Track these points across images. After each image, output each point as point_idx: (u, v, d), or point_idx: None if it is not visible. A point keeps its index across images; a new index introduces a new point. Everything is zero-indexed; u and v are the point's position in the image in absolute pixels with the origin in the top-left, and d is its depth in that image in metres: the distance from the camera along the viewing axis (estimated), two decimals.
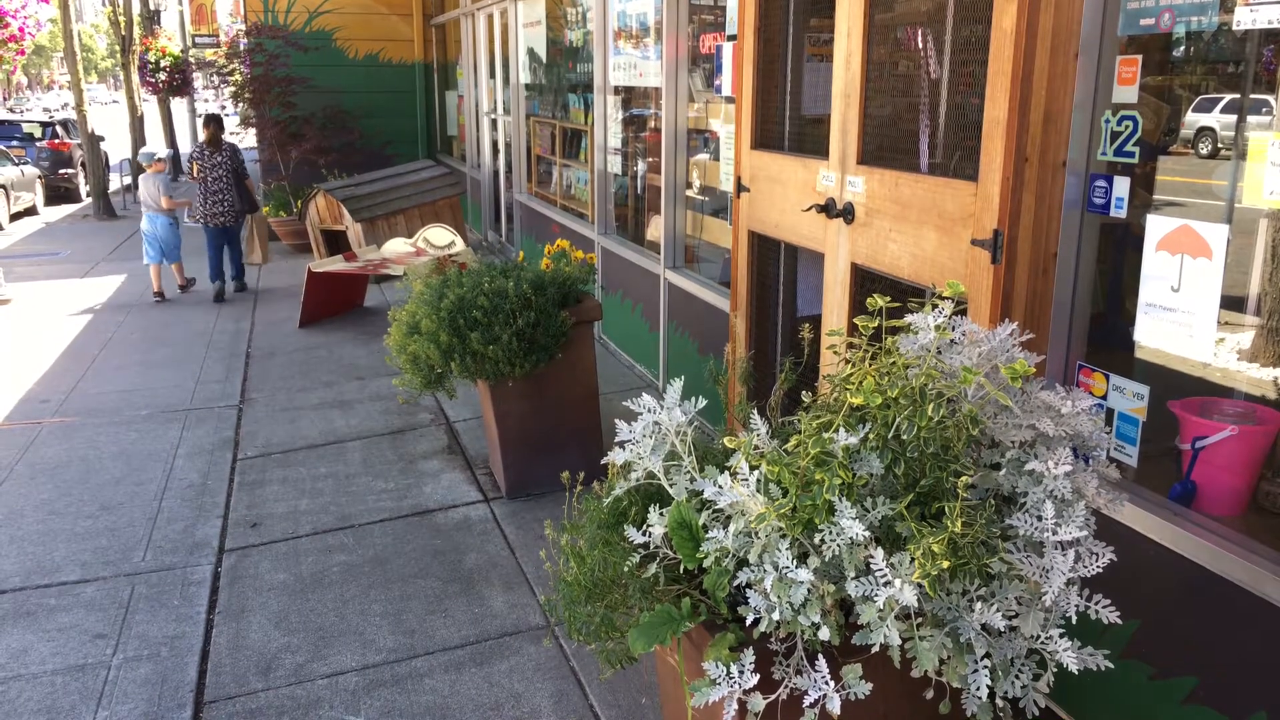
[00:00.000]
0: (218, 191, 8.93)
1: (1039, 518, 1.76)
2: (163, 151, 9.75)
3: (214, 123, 9.09)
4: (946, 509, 1.74)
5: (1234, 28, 2.25)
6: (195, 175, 9.00)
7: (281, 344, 7.50)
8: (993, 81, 2.62)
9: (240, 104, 13.36)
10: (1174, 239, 2.33)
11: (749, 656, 1.78)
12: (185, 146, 20.26)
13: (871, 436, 1.90)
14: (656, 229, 5.89)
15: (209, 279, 9.10)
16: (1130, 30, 2.45)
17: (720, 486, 1.91)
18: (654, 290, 5.85)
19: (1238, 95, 2.44)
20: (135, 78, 19.24)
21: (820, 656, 1.78)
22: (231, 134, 12.96)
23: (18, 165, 16.13)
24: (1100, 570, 1.76)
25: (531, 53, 8.87)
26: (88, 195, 16.93)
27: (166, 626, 3.53)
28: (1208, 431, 2.48)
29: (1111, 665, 1.77)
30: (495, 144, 10.72)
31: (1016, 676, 1.76)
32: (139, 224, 9.40)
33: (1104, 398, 2.59)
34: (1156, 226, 2.37)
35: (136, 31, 19.69)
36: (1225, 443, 2.46)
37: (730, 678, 1.77)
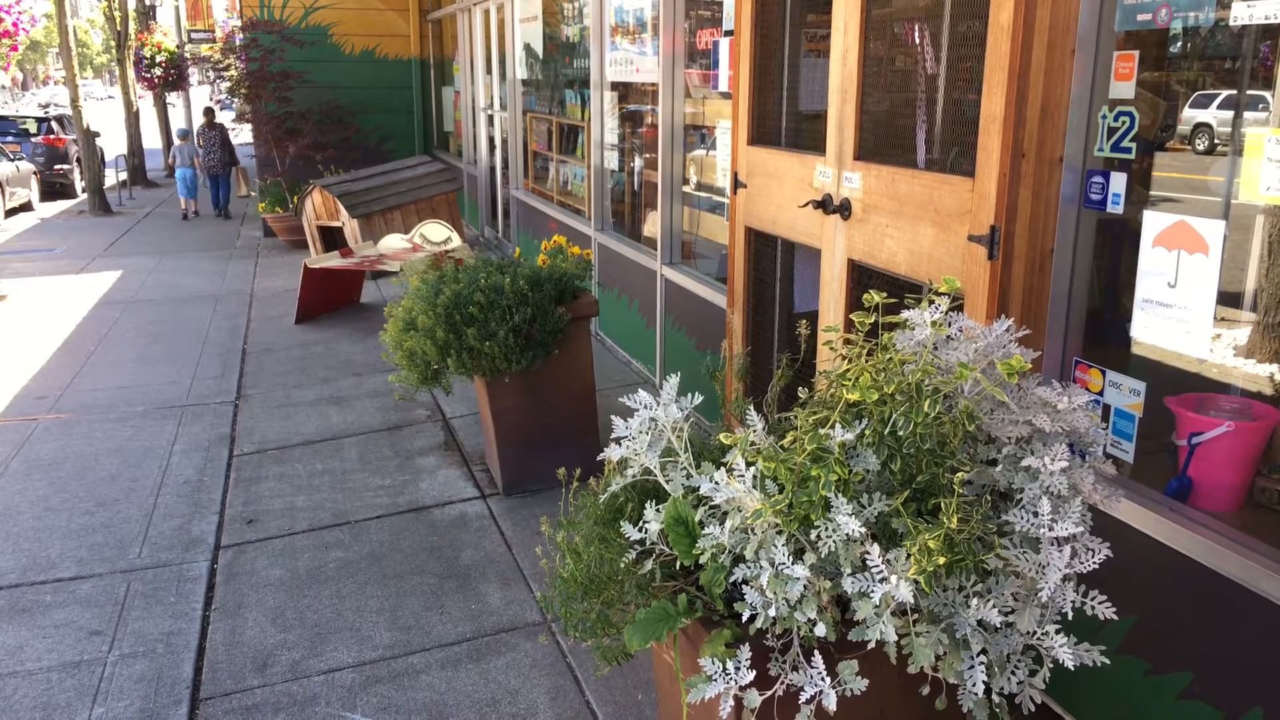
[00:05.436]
0: (212, 153, 14.84)
1: (1035, 514, 1.76)
2: (194, 130, 15.77)
3: (209, 112, 15.31)
4: (943, 505, 1.74)
5: (1231, 23, 2.25)
6: (200, 144, 14.98)
7: (278, 340, 7.49)
8: (989, 77, 2.61)
9: (236, 99, 13.46)
10: (1171, 235, 2.33)
11: (745, 653, 1.78)
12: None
13: (868, 433, 1.90)
14: (653, 225, 5.89)
15: (212, 206, 15.19)
16: (1127, 25, 2.44)
17: (716, 483, 1.91)
18: (651, 286, 5.84)
19: (1234, 91, 2.44)
20: (131, 73, 19.19)
21: (816, 653, 1.78)
22: (229, 128, 15.53)
23: (13, 161, 16.09)
24: (1096, 566, 1.76)
25: (528, 48, 8.85)
26: (83, 191, 16.90)
27: (162, 623, 3.52)
28: (1204, 427, 2.48)
29: (1107, 661, 1.77)
30: (492, 140, 10.71)
31: (1012, 672, 1.76)
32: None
33: (1100, 394, 2.59)
34: (1153, 222, 2.37)
35: (132, 27, 19.63)
36: (1221, 438, 2.46)
37: (726, 674, 1.77)
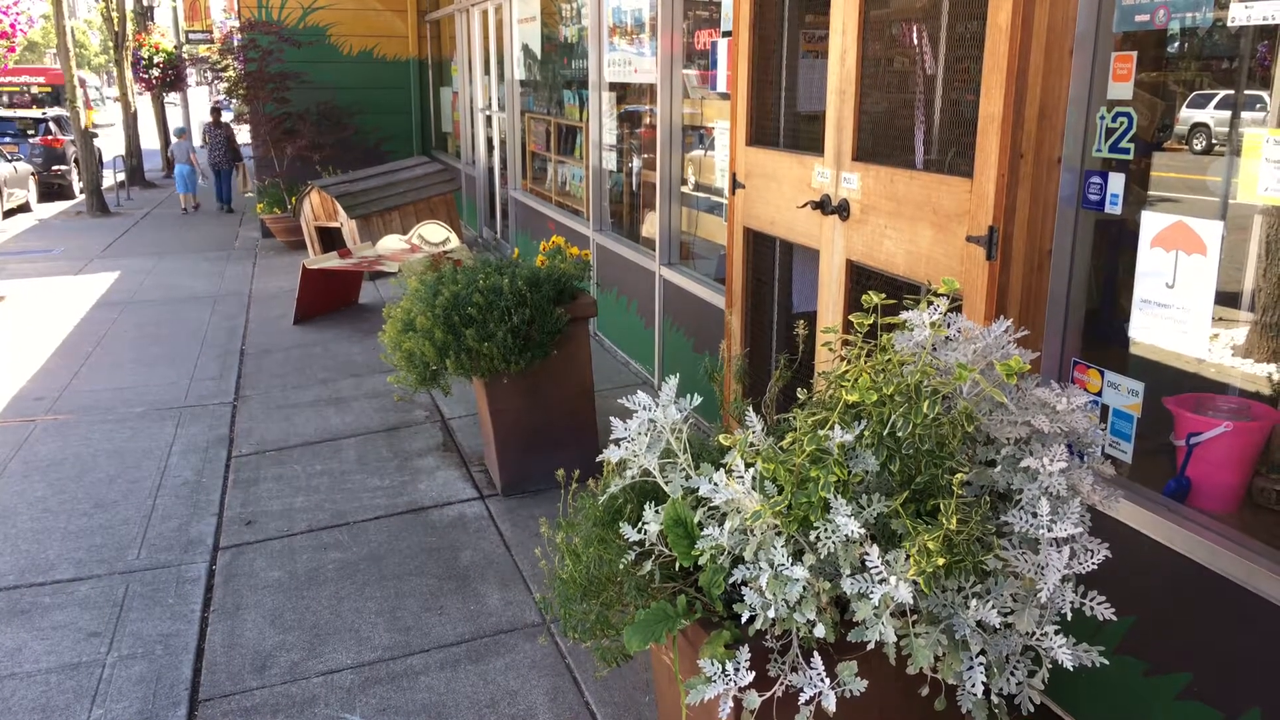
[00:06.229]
0: (217, 149, 15.87)
1: (1034, 514, 1.76)
2: (193, 128, 18.56)
3: (215, 111, 16.04)
4: (942, 506, 1.74)
5: (1229, 24, 2.25)
6: (205, 141, 16.45)
7: (276, 341, 7.49)
8: (988, 78, 2.62)
9: (234, 99, 13.53)
10: (1168, 235, 2.33)
11: (744, 654, 1.78)
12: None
13: (867, 434, 1.90)
14: (652, 225, 5.89)
15: (216, 200, 16.10)
16: (1125, 26, 2.44)
17: (715, 484, 1.91)
18: (649, 287, 5.84)
19: (1232, 91, 2.44)
20: (129, 74, 19.18)
21: (816, 654, 1.78)
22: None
23: (10, 161, 16.08)
24: (1095, 567, 1.76)
25: (526, 49, 8.85)
26: (81, 192, 16.92)
27: (161, 624, 3.52)
28: (1202, 428, 2.48)
29: (1106, 661, 1.77)
30: (490, 140, 10.71)
31: (1011, 673, 1.76)
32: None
33: (1099, 394, 2.60)
34: (1151, 223, 2.37)
35: (130, 27, 19.62)
36: (1220, 439, 2.46)
37: (725, 675, 1.77)
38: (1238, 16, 2.19)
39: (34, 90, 27.62)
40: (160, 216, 15.53)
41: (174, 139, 17.16)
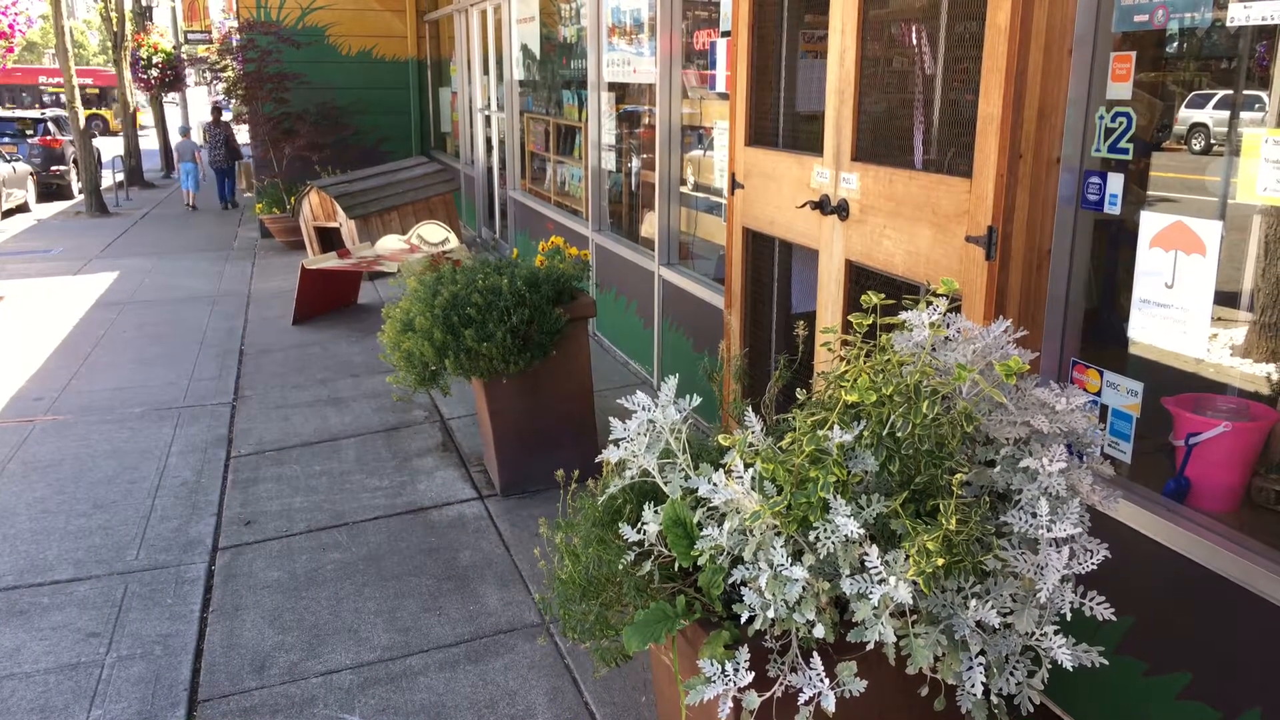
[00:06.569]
0: (217, 148, 16.21)
1: (1034, 515, 1.76)
2: (195, 127, 19.66)
3: (215, 110, 16.45)
4: (941, 506, 1.74)
5: (1228, 24, 2.26)
6: (205, 139, 16.93)
7: (275, 341, 7.49)
8: (987, 78, 2.62)
9: (233, 99, 13.57)
10: (1167, 235, 2.33)
11: (744, 654, 1.78)
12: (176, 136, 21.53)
13: (866, 434, 1.90)
14: (651, 225, 5.89)
15: (218, 198, 16.67)
16: (1124, 26, 2.45)
17: (715, 484, 1.91)
18: (648, 287, 5.84)
19: (1231, 91, 2.44)
20: (128, 74, 19.18)
21: (815, 654, 1.78)
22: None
23: (9, 162, 16.08)
24: (1095, 567, 1.76)
25: (525, 49, 8.85)
26: (80, 192, 16.94)
27: (160, 625, 3.52)
28: (1201, 428, 2.48)
29: (1106, 662, 1.77)
30: (489, 140, 10.70)
31: (1011, 673, 1.76)
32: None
33: (1098, 394, 2.60)
34: (1150, 223, 2.37)
35: (129, 28, 19.62)
36: (1219, 439, 2.46)
37: (725, 675, 1.77)
38: (1236, 16, 2.19)
39: (85, 92, 28.30)
40: (159, 217, 15.53)
41: (179, 137, 18.36)
